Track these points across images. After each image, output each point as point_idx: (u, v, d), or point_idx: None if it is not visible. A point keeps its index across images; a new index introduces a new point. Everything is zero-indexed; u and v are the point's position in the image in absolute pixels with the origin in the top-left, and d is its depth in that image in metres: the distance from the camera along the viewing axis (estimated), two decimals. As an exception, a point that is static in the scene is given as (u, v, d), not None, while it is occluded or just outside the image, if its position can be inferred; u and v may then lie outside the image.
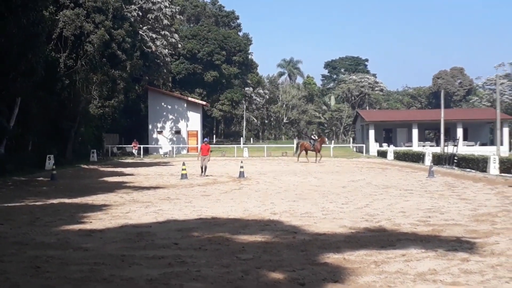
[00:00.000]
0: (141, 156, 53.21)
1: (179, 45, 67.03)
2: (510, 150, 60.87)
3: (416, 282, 6.69)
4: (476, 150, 47.61)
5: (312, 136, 45.56)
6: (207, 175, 26.53)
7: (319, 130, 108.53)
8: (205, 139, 29.62)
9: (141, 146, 55.26)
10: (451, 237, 9.68)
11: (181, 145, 62.10)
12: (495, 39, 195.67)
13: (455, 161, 33.52)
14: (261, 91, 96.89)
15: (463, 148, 49.62)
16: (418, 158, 39.96)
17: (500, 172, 27.16)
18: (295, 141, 64.09)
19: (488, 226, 10.93)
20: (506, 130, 62.10)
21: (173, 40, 62.36)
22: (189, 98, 66.22)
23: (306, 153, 42.45)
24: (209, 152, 27.26)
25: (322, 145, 43.06)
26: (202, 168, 26.91)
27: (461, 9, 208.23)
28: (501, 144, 50.22)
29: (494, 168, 27.68)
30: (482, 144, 60.57)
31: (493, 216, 12.26)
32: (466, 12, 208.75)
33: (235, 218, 12.32)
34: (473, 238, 9.55)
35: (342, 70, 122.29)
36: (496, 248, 8.72)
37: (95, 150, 44.89)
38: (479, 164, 29.85)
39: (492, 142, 59.83)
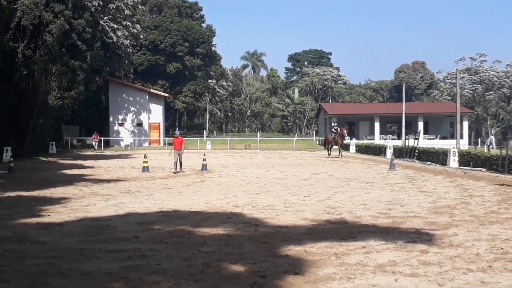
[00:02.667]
0: (102, 149, 52.57)
1: (141, 36, 66.30)
2: (469, 144, 62.20)
3: (376, 273, 6.74)
4: (437, 144, 48.45)
5: (333, 129, 40.46)
6: (183, 171, 24.54)
7: (282, 123, 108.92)
8: (177, 131, 26.91)
9: (102, 138, 54.60)
10: (411, 229, 9.79)
11: (142, 138, 61.55)
12: (456, 34, 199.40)
13: (416, 154, 34.05)
14: (224, 83, 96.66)
15: (424, 142, 50.43)
16: (379, 151, 40.47)
17: (460, 165, 27.70)
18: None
19: (447, 218, 11.10)
20: (466, 124, 63.46)
21: (135, 31, 61.61)
22: (151, 90, 65.57)
23: (331, 147, 38.90)
24: (183, 146, 24.91)
25: (344, 140, 39.23)
26: (175, 164, 24.35)
27: (422, 3, 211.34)
28: (461, 138, 51.23)
29: (453, 161, 28.22)
30: (443, 138, 61.72)
31: (452, 209, 12.46)
32: (427, 7, 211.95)
33: (196, 211, 12.24)
34: (432, 230, 9.68)
35: (306, 63, 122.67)
36: (455, 240, 8.85)
37: (54, 142, 44.13)
38: (439, 157, 30.38)
39: (452, 136, 61.02)
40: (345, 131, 38.61)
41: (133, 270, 6.88)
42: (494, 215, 11.49)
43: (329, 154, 38.81)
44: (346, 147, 52.41)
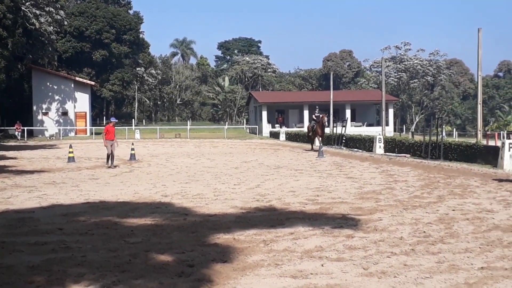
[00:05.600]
0: (25, 139, 50.96)
1: (65, 22, 64.25)
2: (395, 130, 64.12)
3: (303, 259, 6.81)
4: (364, 131, 49.67)
5: (314, 116, 33.13)
6: (115, 165, 21.58)
7: (213, 111, 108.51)
8: (112, 118, 23.94)
9: (25, 128, 52.86)
10: (338, 215, 9.98)
11: (68, 127, 59.94)
12: (382, 23, 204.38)
13: (344, 141, 34.78)
14: (153, 71, 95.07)
15: (351, 129, 51.60)
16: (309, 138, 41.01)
17: (385, 152, 28.54)
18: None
19: (372, 203, 11.37)
20: (391, 111, 65.38)
21: (59, 17, 59.65)
22: (77, 78, 63.88)
23: (314, 138, 32.71)
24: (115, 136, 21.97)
25: (324, 128, 32.50)
26: (108, 156, 21.54)
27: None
28: (387, 125, 52.78)
29: (379, 147, 29.03)
30: (369, 125, 63.31)
31: (377, 194, 12.79)
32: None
33: (124, 201, 12.02)
34: (358, 215, 9.90)
35: (236, 51, 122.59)
36: (379, 224, 9.08)
37: (-26, 133, 42.39)
38: (366, 144, 31.16)
39: (378, 123, 62.69)
40: (325, 118, 32.48)
41: (56, 262, 6.68)
42: (417, 199, 11.87)
43: (312, 148, 32.60)
44: (276, 135, 52.94)
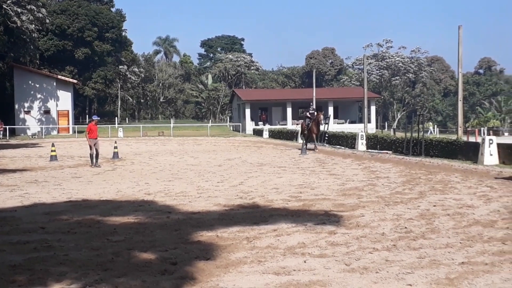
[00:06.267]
0: (7, 138, 50.55)
1: (47, 20, 63.68)
2: (377, 127, 64.52)
3: (286, 255, 6.84)
4: (346, 128, 49.86)
5: (308, 113, 30.84)
6: (99, 164, 21.15)
7: (196, 109, 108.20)
8: (94, 116, 23.38)
9: (7, 127, 52.41)
10: (320, 211, 10.02)
11: (50, 126, 59.53)
12: (364, 21, 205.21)
13: (326, 138, 34.92)
14: (136, 69, 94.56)
15: (334, 126, 51.77)
16: (292, 136, 41.19)
17: (367, 148, 28.71)
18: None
19: (354, 199, 11.44)
20: (373, 108, 65.75)
21: (41, 15, 59.12)
22: (59, 76, 63.52)
23: (308, 137, 29.80)
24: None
25: (320, 126, 30.71)
26: (92, 156, 20.99)
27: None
28: (369, 122, 53.04)
29: (361, 144, 29.20)
30: (352, 122, 63.59)
31: (359, 190, 12.86)
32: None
33: (107, 199, 11.97)
34: (341, 212, 9.95)
35: (219, 49, 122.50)
36: (361, 220, 9.14)
37: (-46, 132, 41.93)
38: (348, 141, 31.32)
39: (360, 120, 62.94)
40: (321, 116, 29.98)
41: (38, 261, 6.64)
42: (399, 195, 11.97)
43: (305, 146, 28.55)
44: (259, 133, 52.97)
